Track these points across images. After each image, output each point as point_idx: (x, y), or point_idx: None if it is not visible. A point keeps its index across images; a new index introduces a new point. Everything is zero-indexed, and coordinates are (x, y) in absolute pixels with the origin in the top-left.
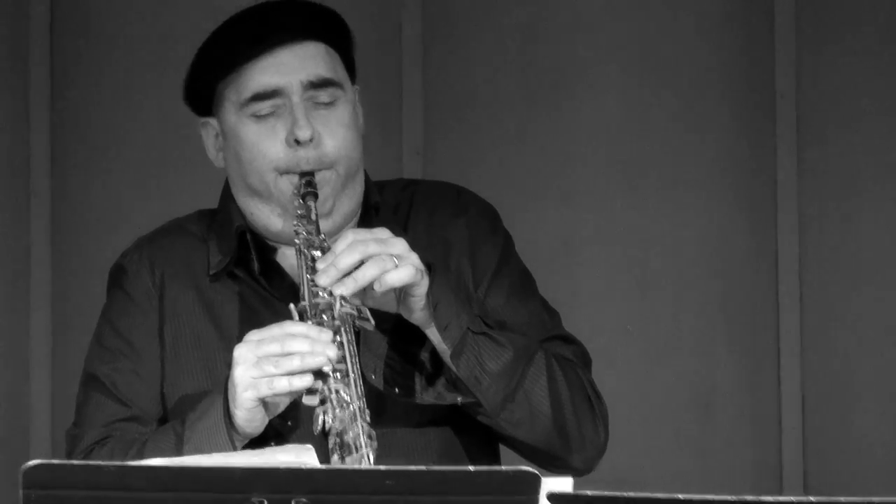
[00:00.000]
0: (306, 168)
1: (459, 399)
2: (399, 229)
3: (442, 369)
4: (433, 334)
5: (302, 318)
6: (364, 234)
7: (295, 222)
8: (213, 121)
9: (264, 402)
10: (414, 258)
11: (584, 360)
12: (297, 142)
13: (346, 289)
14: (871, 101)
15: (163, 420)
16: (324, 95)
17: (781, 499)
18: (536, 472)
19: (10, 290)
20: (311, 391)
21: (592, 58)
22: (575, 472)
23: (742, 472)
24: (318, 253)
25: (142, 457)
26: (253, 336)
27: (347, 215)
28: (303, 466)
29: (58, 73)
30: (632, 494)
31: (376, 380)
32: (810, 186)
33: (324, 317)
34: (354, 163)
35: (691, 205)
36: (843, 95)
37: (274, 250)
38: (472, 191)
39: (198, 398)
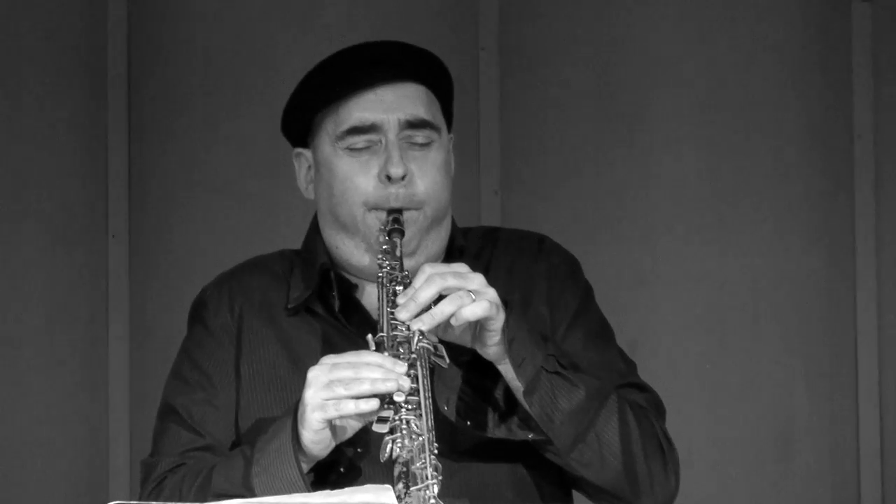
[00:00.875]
0: (395, 205)
1: (531, 436)
2: (480, 271)
3: (515, 408)
4: (507, 371)
5: (379, 349)
6: (442, 267)
7: (379, 256)
8: (307, 152)
9: (332, 426)
10: (491, 293)
11: (658, 409)
12: (389, 178)
13: (423, 324)
14: None
15: None
16: (420, 136)
17: None
18: None
19: (90, 329)
20: (382, 419)
21: (668, 97)
22: None
23: None
24: (399, 288)
25: (210, 481)
26: (328, 360)
27: (431, 257)
28: None
29: (135, 114)
30: None
31: (448, 411)
32: (888, 222)
33: (400, 349)
34: (443, 206)
35: (768, 241)
36: None
37: (355, 287)
38: (553, 240)
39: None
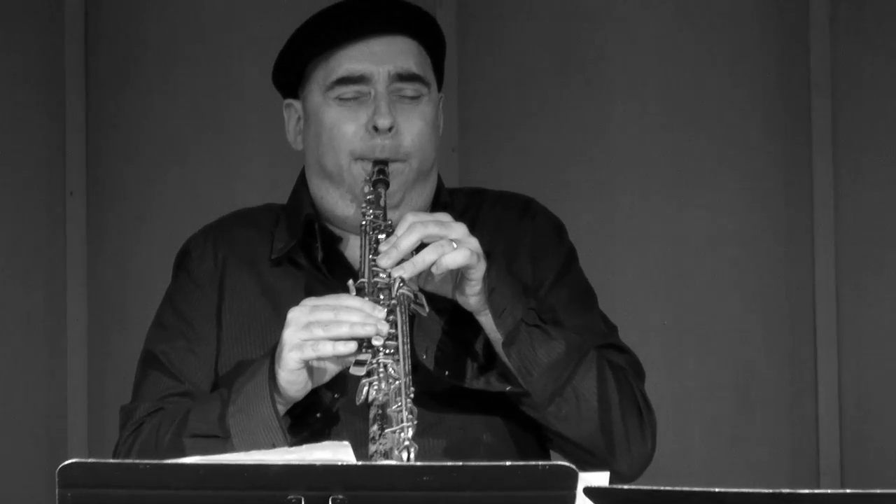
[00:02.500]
0: (381, 156)
1: (508, 388)
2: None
3: (494, 362)
4: (487, 322)
5: (359, 294)
6: (424, 216)
7: (363, 205)
8: (297, 103)
9: (309, 367)
10: (473, 242)
11: (638, 371)
12: (376, 129)
13: (405, 272)
14: None
15: None
16: (409, 90)
17: (817, 491)
18: (573, 466)
19: (48, 287)
20: (359, 363)
21: (627, 54)
22: (620, 478)
23: (779, 464)
24: (382, 236)
25: (186, 421)
26: (308, 302)
27: (416, 210)
28: (340, 463)
29: (92, 70)
30: (667, 489)
31: (427, 360)
32: (846, 174)
33: (381, 296)
34: (429, 159)
35: (727, 197)
36: (880, 95)
37: (339, 239)
38: (540, 203)
39: None
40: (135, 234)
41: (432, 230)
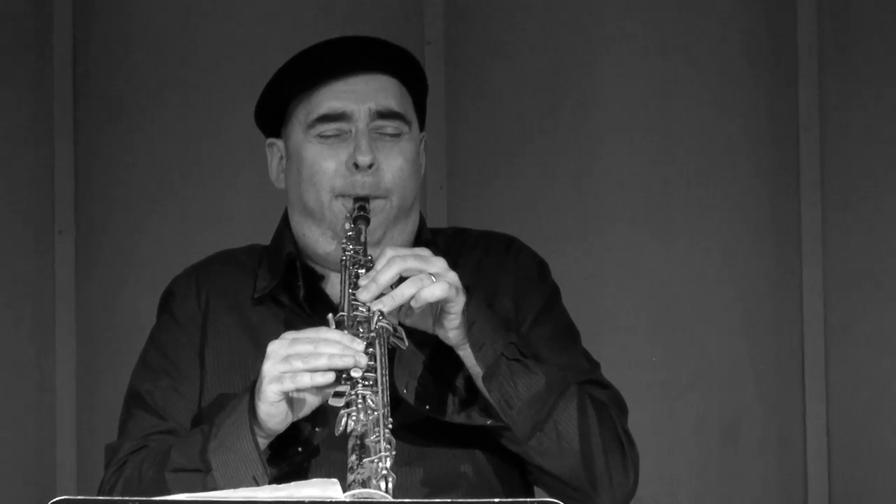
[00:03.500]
0: (361, 192)
1: (489, 422)
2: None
3: (475, 397)
4: (467, 356)
5: (339, 327)
6: (403, 250)
7: (343, 241)
8: (279, 142)
9: (289, 399)
10: (451, 276)
11: (620, 406)
12: (357, 166)
13: (384, 305)
14: None
15: None
16: (389, 127)
17: None
18: (558, 502)
19: (36, 325)
20: (338, 394)
21: (615, 91)
22: None
23: (768, 499)
24: (361, 271)
25: (168, 457)
26: (288, 335)
27: (398, 244)
28: (329, 501)
29: (81, 108)
30: None
31: (408, 395)
32: (834, 213)
33: (360, 329)
34: (410, 196)
35: (714, 235)
36: (868, 120)
37: (321, 278)
38: (523, 243)
39: None
40: (123, 272)
41: (411, 264)
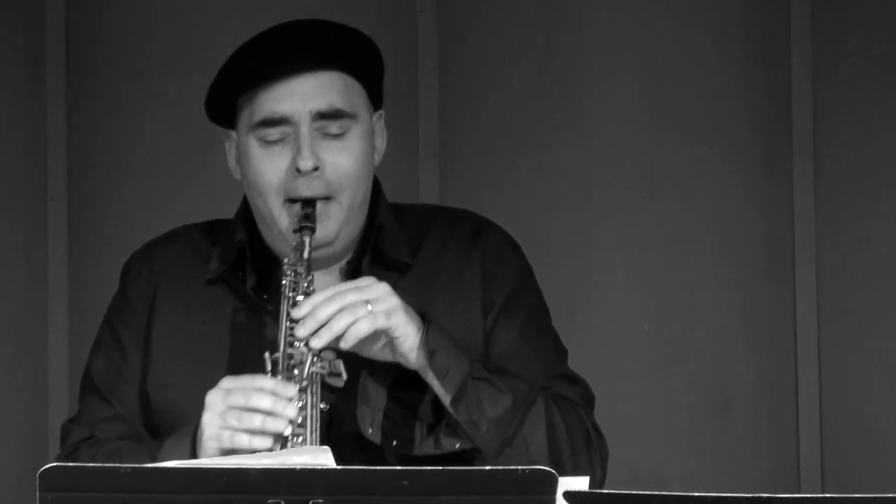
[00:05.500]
0: (306, 194)
1: (458, 445)
2: (405, 249)
3: (442, 416)
4: (433, 380)
5: (275, 368)
6: (347, 284)
7: (286, 260)
8: (234, 134)
9: (227, 452)
10: (388, 302)
11: (587, 400)
12: (299, 171)
13: (321, 339)
14: (889, 104)
15: (147, 421)
16: (333, 127)
17: (795, 496)
18: (552, 471)
19: (28, 294)
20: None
21: (608, 60)
22: None
23: (760, 470)
24: (300, 298)
25: None
26: (225, 384)
27: (348, 243)
28: (320, 467)
29: (74, 80)
30: (646, 493)
31: (373, 434)
32: (827, 185)
33: (295, 371)
34: (359, 194)
35: (708, 206)
36: (860, 97)
37: (276, 263)
38: (495, 224)
39: (182, 402)
40: (116, 240)
41: (350, 299)
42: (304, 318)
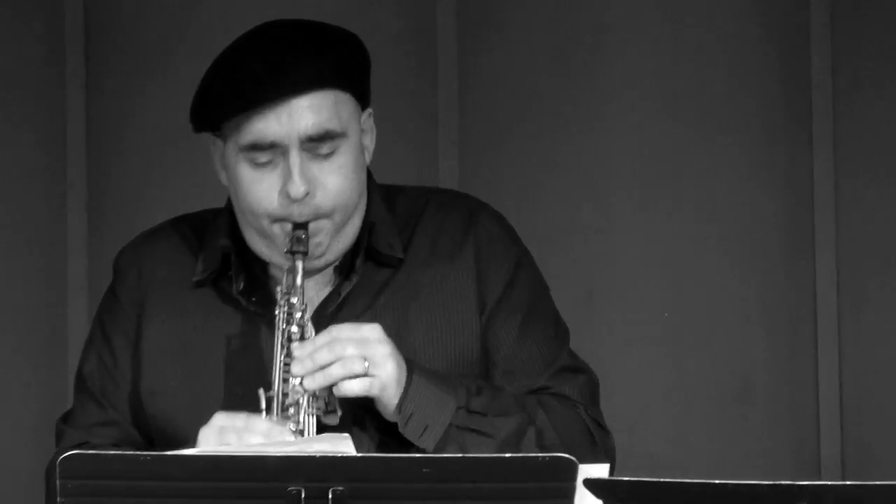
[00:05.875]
0: (299, 220)
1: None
2: (397, 243)
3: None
4: (410, 437)
5: (269, 406)
6: (348, 331)
7: (280, 289)
8: (220, 142)
9: None
10: (384, 370)
11: (592, 394)
12: (290, 197)
13: (314, 382)
14: None
15: (139, 425)
16: (323, 148)
17: (816, 483)
18: (573, 458)
19: (48, 281)
20: None
21: (628, 48)
22: None
23: (780, 457)
24: (294, 329)
25: None
26: (218, 420)
27: (340, 254)
28: (340, 455)
29: (93, 66)
30: (667, 480)
31: None
32: (846, 172)
33: (290, 410)
34: (352, 205)
35: (728, 193)
36: (880, 85)
37: (263, 265)
38: (489, 206)
39: (174, 409)
40: (135, 227)
41: (349, 353)
42: (301, 357)
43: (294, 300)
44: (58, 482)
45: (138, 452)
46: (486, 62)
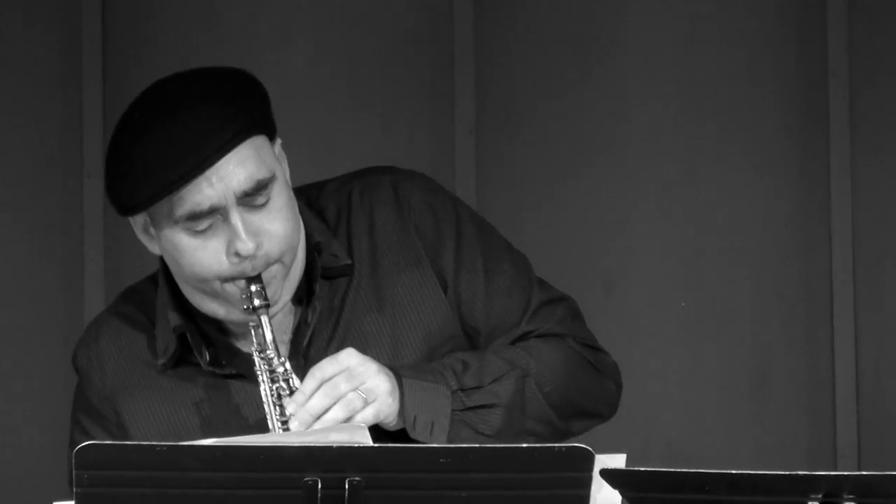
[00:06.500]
0: (253, 274)
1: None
2: (341, 251)
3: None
4: (420, 437)
5: None
6: (331, 368)
7: (254, 349)
8: (138, 216)
9: None
10: (382, 386)
11: (573, 317)
12: (239, 254)
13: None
14: None
15: None
16: (259, 198)
17: (832, 473)
18: (589, 449)
19: (65, 270)
20: None
21: (643, 34)
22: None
23: (796, 447)
24: (283, 385)
25: None
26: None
27: (293, 291)
28: (356, 445)
29: (110, 57)
30: (683, 471)
31: None
32: (863, 161)
33: None
34: (297, 245)
35: (744, 181)
36: None
37: (226, 333)
38: (405, 173)
39: None
40: None
41: (343, 389)
42: (297, 413)
43: (271, 355)
44: (73, 472)
45: (154, 443)
46: (503, 51)
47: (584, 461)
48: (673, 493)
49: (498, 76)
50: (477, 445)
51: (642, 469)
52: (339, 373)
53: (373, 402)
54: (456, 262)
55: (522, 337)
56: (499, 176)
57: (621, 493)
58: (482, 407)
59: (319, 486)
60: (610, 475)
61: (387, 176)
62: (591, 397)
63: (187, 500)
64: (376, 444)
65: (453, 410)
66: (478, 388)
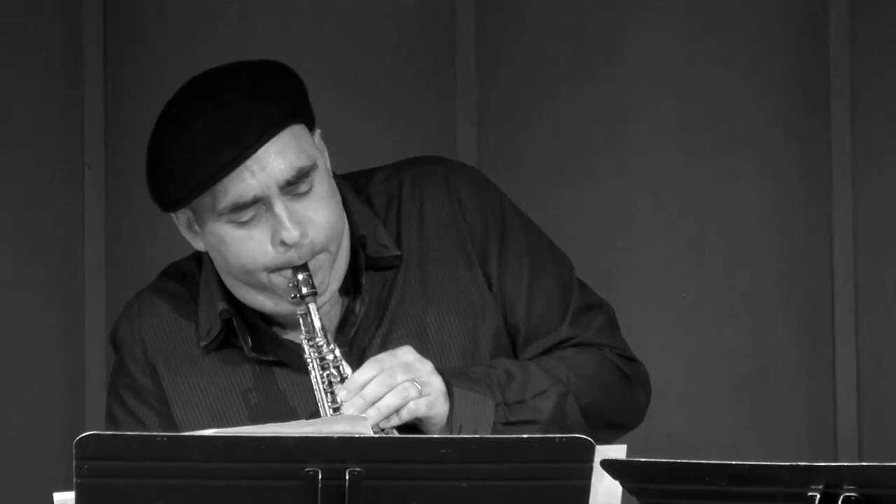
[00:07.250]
0: (299, 263)
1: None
2: (389, 241)
3: None
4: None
5: None
6: (389, 360)
7: (303, 337)
8: (181, 213)
9: None
10: (436, 384)
11: (610, 325)
12: (285, 243)
13: (370, 419)
14: None
15: None
16: (302, 186)
17: (833, 464)
18: (590, 439)
19: (65, 261)
20: None
21: (646, 26)
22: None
23: (797, 438)
24: (334, 372)
25: None
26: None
27: (341, 280)
28: (357, 435)
29: (111, 47)
30: (684, 461)
31: None
32: (865, 153)
33: None
34: (342, 231)
35: (746, 173)
36: None
37: (265, 316)
38: (456, 165)
39: None
40: (153, 207)
41: (399, 378)
42: (351, 398)
43: (321, 343)
44: (74, 463)
45: (155, 433)
46: (505, 42)
47: (585, 452)
48: (674, 484)
49: (500, 68)
50: (477, 436)
51: (643, 460)
52: (397, 366)
53: (427, 395)
54: (501, 261)
55: (560, 343)
56: (501, 168)
57: (622, 483)
58: (524, 423)
59: (320, 476)
60: (611, 466)
61: (439, 167)
62: (623, 409)
63: (188, 490)
64: (377, 435)
65: (495, 423)
66: (521, 402)
